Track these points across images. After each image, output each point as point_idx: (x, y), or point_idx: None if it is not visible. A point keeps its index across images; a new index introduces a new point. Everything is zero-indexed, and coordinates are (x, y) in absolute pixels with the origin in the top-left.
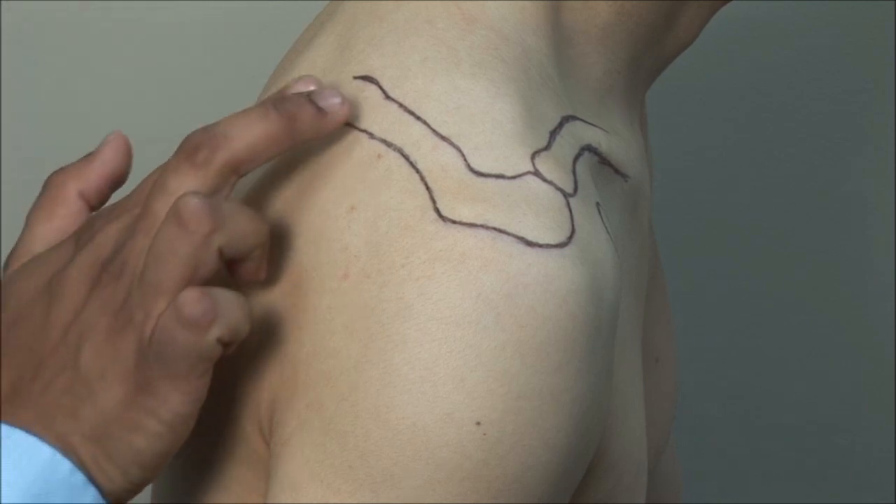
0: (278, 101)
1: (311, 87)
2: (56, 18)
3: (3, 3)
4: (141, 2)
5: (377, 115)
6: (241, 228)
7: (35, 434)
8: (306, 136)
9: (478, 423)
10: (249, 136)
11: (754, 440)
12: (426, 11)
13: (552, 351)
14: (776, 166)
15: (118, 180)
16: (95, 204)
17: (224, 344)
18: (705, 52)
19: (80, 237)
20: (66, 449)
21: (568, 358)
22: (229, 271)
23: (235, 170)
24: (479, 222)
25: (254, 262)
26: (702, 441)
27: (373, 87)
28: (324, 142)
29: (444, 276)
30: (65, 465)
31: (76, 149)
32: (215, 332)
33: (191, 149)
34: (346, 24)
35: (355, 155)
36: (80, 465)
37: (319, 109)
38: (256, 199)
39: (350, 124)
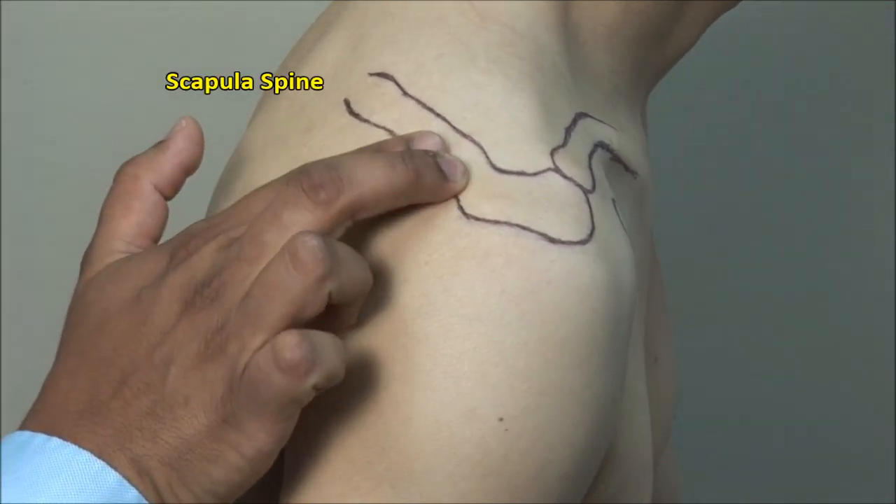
0: (406, 155)
1: (435, 145)
2: (56, 18)
3: (2, 3)
4: (140, 1)
5: (395, 112)
6: (353, 275)
7: (104, 458)
8: (425, 197)
9: (500, 419)
10: (375, 183)
11: (754, 440)
12: (438, 9)
13: (574, 347)
14: (776, 165)
15: (191, 169)
16: (170, 195)
17: (317, 388)
18: (705, 51)
19: (175, 254)
20: (140, 472)
21: (589, 354)
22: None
23: (353, 215)
24: (502, 219)
25: (353, 308)
26: (701, 441)
27: (389, 84)
28: (339, 138)
29: (467, 273)
30: (131, 494)
31: (76, 148)
32: (313, 379)
33: (312, 185)
34: (356, 22)
35: None
36: (154, 489)
37: (443, 175)
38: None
39: (367, 121)
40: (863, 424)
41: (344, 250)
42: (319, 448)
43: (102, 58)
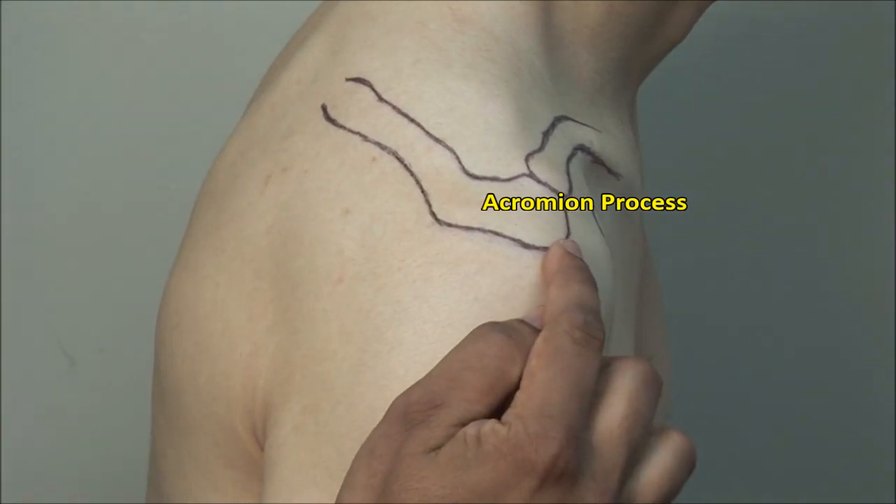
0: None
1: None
2: (56, 18)
3: (2, 3)
4: (138, 1)
5: (370, 118)
6: None
7: None
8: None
9: None
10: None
11: (752, 440)
12: (418, 12)
13: None
14: (773, 164)
15: None
16: None
17: None
18: (699, 49)
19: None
20: None
21: None
22: None
23: None
24: (475, 225)
25: None
26: (699, 441)
27: (365, 89)
28: (316, 144)
29: (440, 280)
30: None
31: (76, 149)
32: None
33: (580, 329)
34: (338, 25)
35: (349, 158)
36: None
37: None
38: (252, 204)
39: (343, 126)
40: (863, 424)
41: None
42: (296, 455)
43: (102, 58)
